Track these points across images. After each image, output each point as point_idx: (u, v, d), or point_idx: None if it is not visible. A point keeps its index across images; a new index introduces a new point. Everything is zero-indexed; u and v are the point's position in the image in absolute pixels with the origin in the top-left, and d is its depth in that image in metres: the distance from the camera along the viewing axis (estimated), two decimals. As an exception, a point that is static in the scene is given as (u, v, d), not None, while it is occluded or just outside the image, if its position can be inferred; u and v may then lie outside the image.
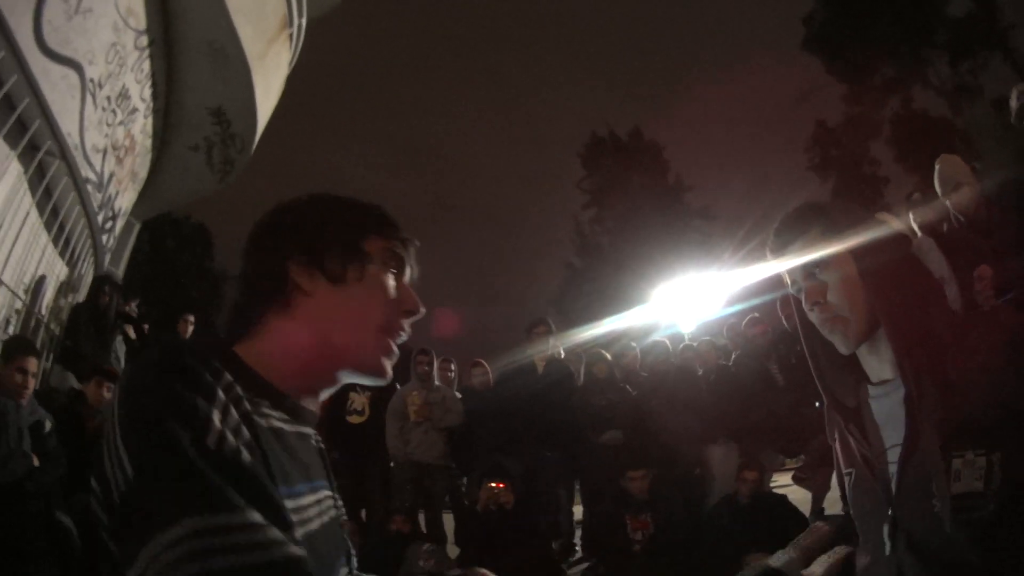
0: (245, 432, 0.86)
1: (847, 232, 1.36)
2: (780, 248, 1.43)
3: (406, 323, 1.10)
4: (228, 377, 0.89)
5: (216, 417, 0.82)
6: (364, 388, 6.27)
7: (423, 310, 1.13)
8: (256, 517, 0.76)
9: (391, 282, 1.09)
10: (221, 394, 0.85)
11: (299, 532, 0.90)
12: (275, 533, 0.77)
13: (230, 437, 0.82)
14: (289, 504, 0.91)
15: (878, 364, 1.38)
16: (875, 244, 1.35)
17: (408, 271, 1.13)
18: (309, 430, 1.08)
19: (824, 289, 1.37)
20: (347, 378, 1.08)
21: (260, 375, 0.99)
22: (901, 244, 1.39)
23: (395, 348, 1.09)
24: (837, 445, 1.50)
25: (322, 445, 1.17)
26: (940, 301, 1.37)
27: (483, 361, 6.82)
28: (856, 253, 1.35)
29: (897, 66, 24.46)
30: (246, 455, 0.82)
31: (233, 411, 0.86)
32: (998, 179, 4.56)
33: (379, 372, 1.07)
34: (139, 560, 0.72)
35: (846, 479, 1.44)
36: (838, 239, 1.36)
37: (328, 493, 1.11)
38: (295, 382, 1.03)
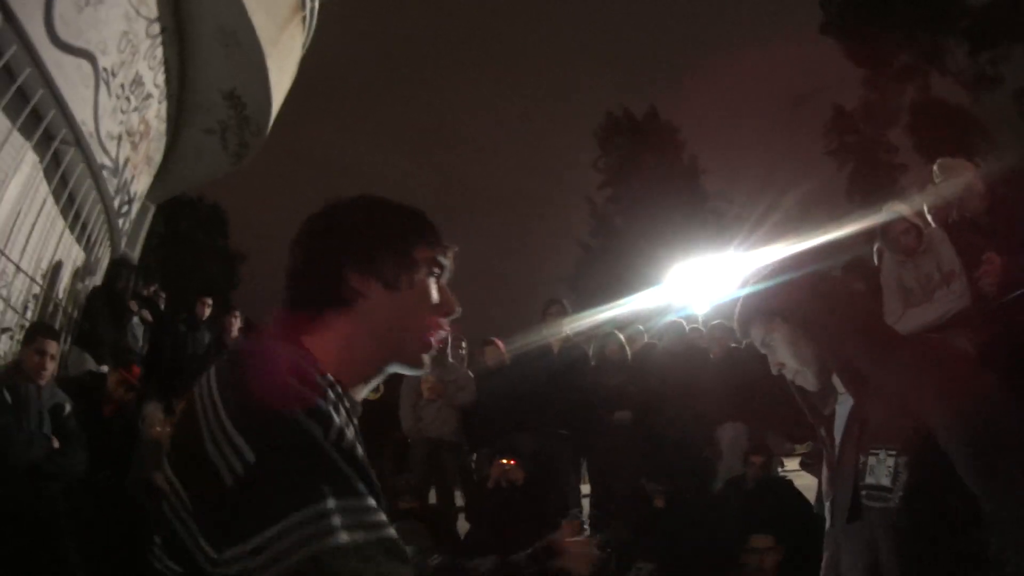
0: (352, 427, 1.00)
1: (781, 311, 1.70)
2: (743, 333, 1.80)
3: (445, 322, 1.24)
4: (329, 376, 1.04)
5: (335, 414, 0.95)
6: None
7: (460, 310, 1.27)
8: (373, 502, 0.91)
9: (435, 286, 1.23)
10: (331, 392, 1.00)
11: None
12: (384, 516, 0.91)
13: (348, 432, 0.96)
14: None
15: (839, 380, 1.69)
16: (800, 302, 1.68)
17: (447, 274, 1.27)
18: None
19: (779, 357, 1.70)
20: (391, 370, 1.22)
21: (326, 369, 1.09)
22: (822, 290, 1.72)
23: (435, 344, 1.23)
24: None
25: None
26: (870, 326, 1.67)
27: (496, 340, 6.87)
28: (789, 320, 1.67)
29: (916, 52, 24.04)
30: (360, 449, 0.97)
31: (342, 408, 1.00)
32: (1006, 173, 4.49)
33: (420, 365, 1.22)
34: (269, 532, 0.83)
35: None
36: (775, 317, 1.70)
37: None
38: (349, 374, 1.14)
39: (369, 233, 1.18)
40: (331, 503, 0.85)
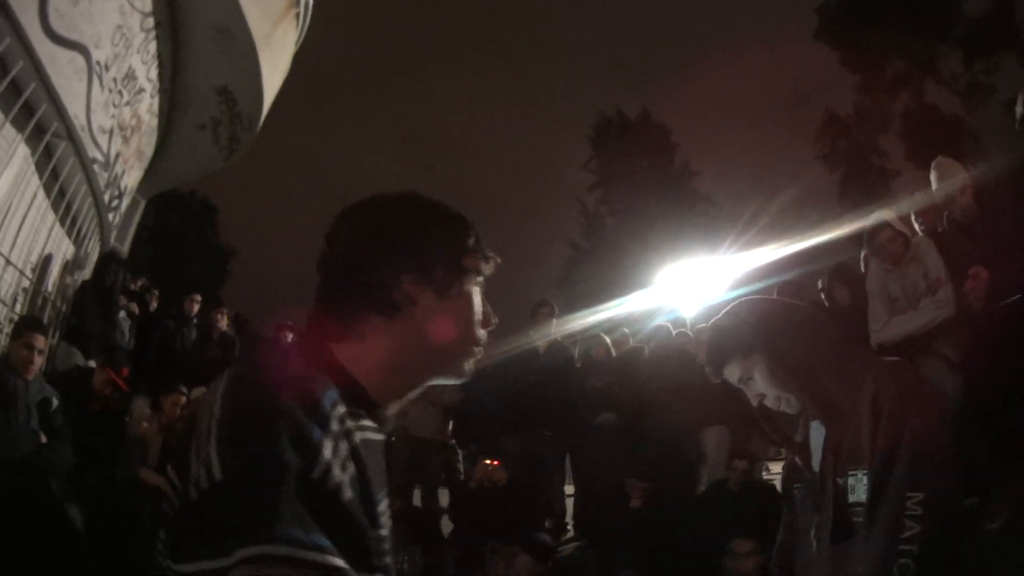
0: (352, 466, 0.92)
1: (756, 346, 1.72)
2: (716, 373, 1.81)
3: (484, 334, 1.20)
4: (341, 407, 0.96)
5: (328, 448, 0.88)
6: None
7: (497, 321, 1.23)
8: (337, 562, 0.80)
9: (478, 296, 1.19)
10: (335, 424, 0.92)
11: (387, 535, 1.02)
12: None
13: (336, 471, 0.88)
14: (382, 508, 1.01)
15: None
16: (776, 334, 1.71)
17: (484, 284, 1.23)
18: (383, 437, 1.13)
19: (759, 389, 1.74)
20: (431, 381, 1.18)
21: (360, 383, 1.05)
22: (798, 320, 1.77)
23: (477, 354, 1.20)
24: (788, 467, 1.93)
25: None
26: (840, 353, 1.72)
27: (494, 342, 6.89)
28: (767, 353, 1.70)
29: (910, 60, 24.17)
30: (347, 493, 0.88)
31: (345, 443, 0.92)
32: (997, 181, 4.50)
33: (463, 374, 1.19)
34: (216, 563, 0.76)
35: (796, 492, 1.77)
36: (752, 353, 1.73)
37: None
38: (387, 385, 1.10)
39: (426, 237, 1.13)
40: (283, 550, 0.77)
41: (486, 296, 1.22)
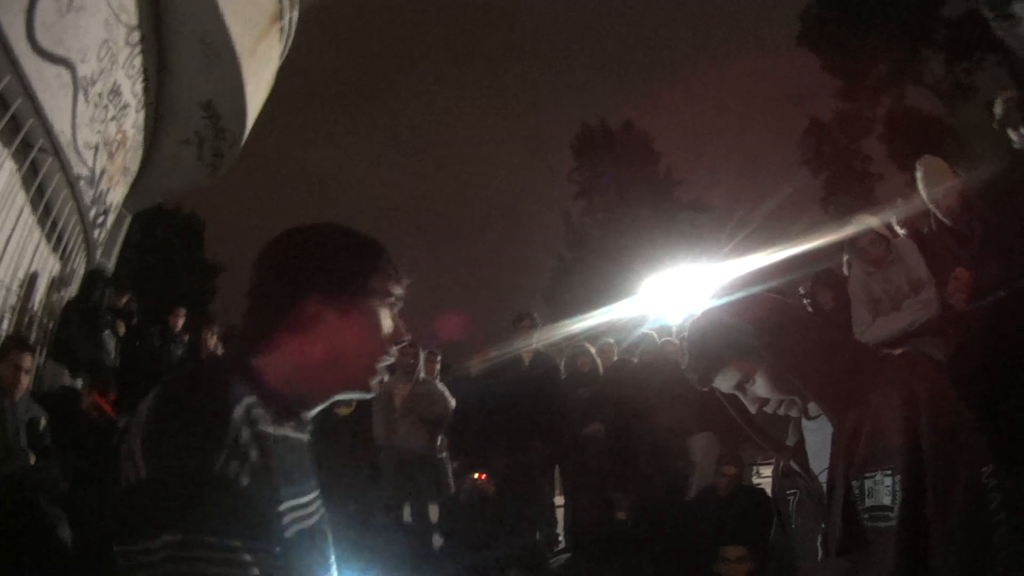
0: (254, 453, 1.03)
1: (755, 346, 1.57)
2: (705, 380, 1.65)
3: (393, 349, 1.32)
4: (250, 397, 1.08)
5: (228, 441, 1.00)
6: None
7: (408, 337, 1.35)
8: (233, 543, 0.95)
9: (387, 315, 1.30)
10: (238, 412, 1.03)
11: (300, 526, 1.12)
12: (242, 557, 0.96)
13: (234, 463, 0.99)
14: (293, 502, 1.11)
15: (812, 403, 1.60)
16: (777, 332, 1.56)
17: (400, 303, 1.35)
18: (305, 438, 1.26)
19: (761, 393, 1.59)
20: (338, 395, 1.29)
21: (274, 390, 1.17)
22: (796, 317, 1.64)
23: (379, 371, 1.30)
24: (779, 471, 1.77)
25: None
26: (846, 347, 1.63)
27: (483, 350, 6.90)
28: (768, 352, 1.56)
29: (892, 63, 24.34)
30: (245, 480, 1.00)
31: (245, 432, 1.03)
32: (981, 182, 4.52)
33: (367, 389, 1.29)
34: (128, 550, 0.95)
35: (790, 498, 1.67)
36: (751, 354, 1.58)
37: (317, 494, 1.27)
38: (299, 394, 1.22)
39: (331, 263, 1.25)
40: (204, 538, 0.92)
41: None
